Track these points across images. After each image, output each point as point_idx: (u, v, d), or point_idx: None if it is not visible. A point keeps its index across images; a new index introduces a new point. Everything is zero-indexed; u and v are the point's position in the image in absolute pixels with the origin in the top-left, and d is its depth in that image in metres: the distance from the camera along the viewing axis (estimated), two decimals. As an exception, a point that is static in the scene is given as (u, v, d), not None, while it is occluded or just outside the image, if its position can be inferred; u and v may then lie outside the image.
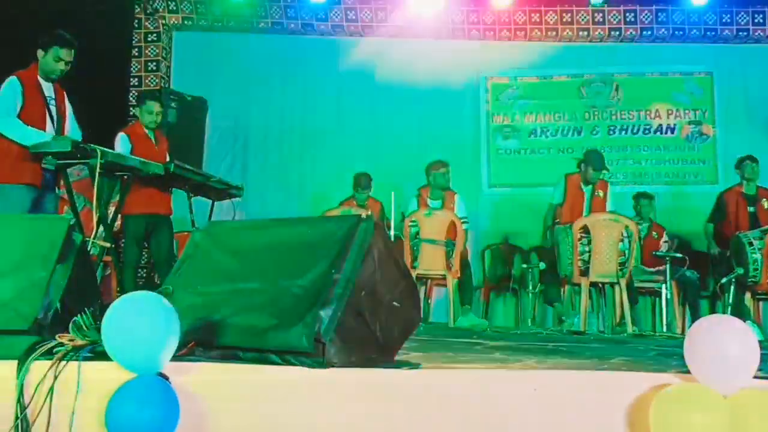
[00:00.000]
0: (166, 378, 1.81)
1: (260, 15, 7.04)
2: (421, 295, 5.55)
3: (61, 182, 3.97)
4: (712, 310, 5.69)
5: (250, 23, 7.09)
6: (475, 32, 7.09)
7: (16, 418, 1.81)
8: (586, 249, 5.03)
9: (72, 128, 4.19)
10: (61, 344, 1.90)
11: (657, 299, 5.76)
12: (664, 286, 5.25)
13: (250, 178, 6.97)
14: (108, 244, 4.28)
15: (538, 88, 7.25)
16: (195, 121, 6.57)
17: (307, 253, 2.11)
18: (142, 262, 5.57)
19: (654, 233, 6.11)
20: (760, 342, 1.78)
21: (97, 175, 3.68)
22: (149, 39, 7.03)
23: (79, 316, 2.00)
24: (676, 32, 6.99)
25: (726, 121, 7.08)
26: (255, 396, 1.89)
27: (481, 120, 7.24)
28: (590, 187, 5.66)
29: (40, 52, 3.99)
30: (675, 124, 7.15)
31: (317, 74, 7.17)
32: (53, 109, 4.06)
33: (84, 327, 1.98)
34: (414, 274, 5.02)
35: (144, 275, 5.96)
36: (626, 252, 5.02)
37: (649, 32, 7.01)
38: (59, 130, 4.09)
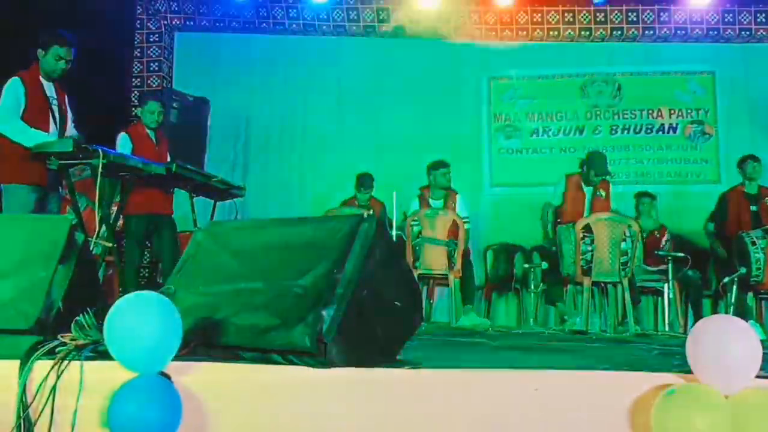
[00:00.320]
0: (168, 378, 1.81)
1: (262, 15, 7.04)
2: (423, 295, 5.55)
3: (64, 182, 3.97)
4: (715, 310, 5.68)
5: (252, 23, 7.09)
6: (476, 32, 7.08)
7: (18, 417, 1.81)
8: (589, 248, 5.03)
9: (70, 132, 4.19)
10: (64, 344, 1.91)
11: (659, 299, 5.75)
12: (666, 285, 5.26)
13: (251, 178, 6.98)
14: (110, 244, 4.29)
15: (540, 87, 7.24)
16: (197, 122, 6.57)
17: (309, 253, 2.12)
18: (144, 261, 5.58)
19: (656, 233, 6.10)
20: (762, 341, 1.78)
21: (99, 175, 3.68)
22: (151, 39, 7.04)
23: (81, 315, 2.00)
24: (678, 31, 6.98)
25: (728, 121, 7.07)
26: (257, 396, 1.89)
27: (483, 119, 7.24)
28: (591, 187, 5.67)
29: (40, 52, 4.00)
30: (677, 124, 7.14)
31: (319, 74, 7.17)
32: (55, 109, 4.07)
33: (86, 326, 1.98)
34: (416, 273, 5.02)
35: (146, 275, 5.96)
36: (629, 251, 5.02)
37: (651, 31, 7.01)
38: (61, 130, 4.10)
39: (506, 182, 7.17)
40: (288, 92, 7.25)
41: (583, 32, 7.05)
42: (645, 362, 2.61)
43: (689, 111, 7.15)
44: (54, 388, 1.82)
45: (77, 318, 2.00)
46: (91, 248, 3.50)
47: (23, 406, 1.81)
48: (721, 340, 1.75)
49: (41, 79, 4.02)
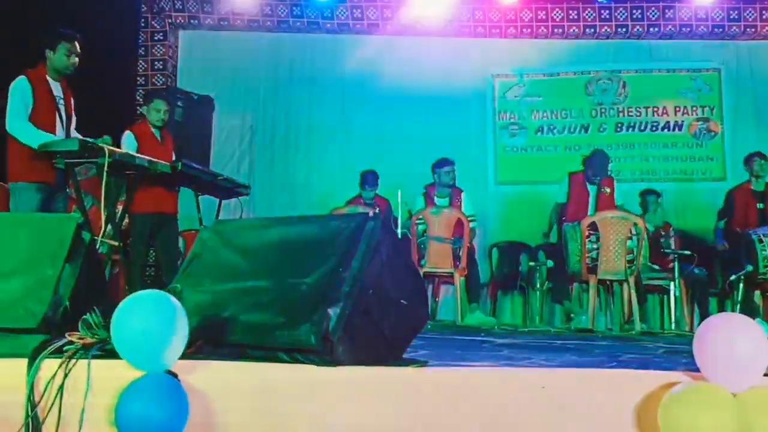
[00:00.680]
0: (175, 376, 1.82)
1: (266, 13, 7.04)
2: (429, 293, 5.56)
3: (70, 181, 3.98)
4: (721, 308, 5.67)
5: (256, 22, 7.10)
6: (481, 30, 7.08)
7: (27, 416, 1.81)
8: (594, 246, 5.02)
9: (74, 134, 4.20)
10: (71, 342, 1.91)
11: (665, 297, 5.74)
12: (672, 283, 5.24)
13: (257, 176, 7.00)
14: (116, 243, 4.30)
15: (545, 85, 7.23)
16: (202, 120, 6.58)
17: (314, 252, 2.12)
18: (150, 260, 5.59)
19: (661, 230, 6.09)
20: (769, 339, 1.77)
21: (105, 174, 3.69)
22: (156, 38, 7.05)
23: (88, 314, 2.01)
24: (683, 29, 6.96)
25: (734, 118, 7.05)
26: (263, 394, 1.89)
27: (488, 117, 7.23)
28: (595, 185, 5.66)
29: (49, 53, 4.01)
30: (682, 121, 7.12)
31: (323, 72, 7.17)
32: (62, 108, 4.08)
33: (93, 325, 1.99)
34: (421, 272, 5.02)
35: (152, 274, 5.98)
36: (634, 249, 5.01)
37: (656, 29, 6.99)
38: (68, 129, 4.11)
39: (511, 180, 7.16)
40: (292, 90, 7.25)
41: (587, 30, 7.03)
42: (652, 360, 2.61)
43: (694, 108, 7.12)
44: (61, 386, 1.82)
45: (84, 317, 2.01)
46: (97, 247, 3.51)
47: (31, 404, 1.82)
48: (728, 338, 1.74)
49: (48, 78, 4.03)
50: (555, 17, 6.98)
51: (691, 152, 7.09)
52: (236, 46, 7.19)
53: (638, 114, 7.16)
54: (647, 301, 5.82)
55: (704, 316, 5.33)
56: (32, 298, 2.09)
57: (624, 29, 7.01)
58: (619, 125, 7.15)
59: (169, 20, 7.07)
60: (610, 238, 4.98)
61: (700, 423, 1.68)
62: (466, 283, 5.46)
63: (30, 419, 1.81)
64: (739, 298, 5.05)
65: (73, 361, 1.85)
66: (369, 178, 6.22)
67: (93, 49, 4.27)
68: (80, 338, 1.93)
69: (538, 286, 5.82)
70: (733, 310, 5.01)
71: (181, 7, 7.03)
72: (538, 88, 7.23)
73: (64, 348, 1.89)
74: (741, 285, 5.05)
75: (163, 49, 7.05)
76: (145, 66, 7.03)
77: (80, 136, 4.06)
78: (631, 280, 4.94)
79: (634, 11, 6.94)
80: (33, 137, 3.83)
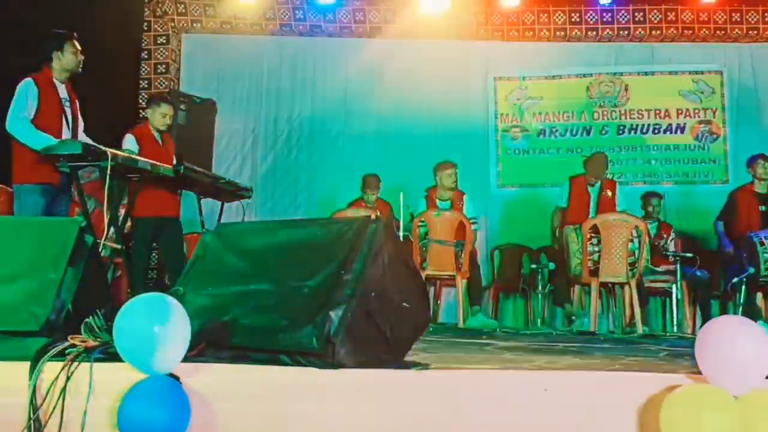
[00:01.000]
0: (177, 379, 1.82)
1: (268, 17, 7.05)
2: (431, 296, 5.55)
3: (74, 184, 3.99)
4: (724, 310, 5.65)
5: (258, 25, 7.11)
6: (483, 32, 7.08)
7: (29, 418, 1.82)
8: (596, 249, 5.02)
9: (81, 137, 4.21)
10: (73, 345, 1.92)
11: (667, 299, 5.73)
12: (674, 286, 5.23)
13: (259, 179, 7.00)
14: (119, 246, 4.30)
15: (547, 88, 7.22)
16: (204, 123, 6.59)
17: (316, 255, 2.12)
18: (152, 263, 5.59)
19: (663, 233, 6.08)
20: (771, 342, 1.77)
21: (108, 177, 3.70)
22: (158, 41, 7.06)
23: (90, 317, 2.02)
24: (686, 31, 6.96)
25: (736, 120, 7.04)
26: (265, 396, 1.89)
27: (490, 120, 7.22)
28: (597, 187, 5.67)
29: (56, 54, 4.03)
30: (685, 124, 7.11)
31: (325, 75, 7.18)
32: (68, 110, 4.09)
33: (96, 328, 2.00)
34: (423, 274, 5.02)
35: (154, 277, 5.98)
36: (636, 252, 5.01)
37: (658, 31, 6.99)
38: (74, 131, 4.12)
39: (513, 183, 7.16)
40: (295, 93, 7.26)
41: (589, 32, 7.03)
42: (653, 363, 2.60)
43: (697, 111, 7.12)
44: (64, 389, 1.83)
45: (87, 320, 2.01)
46: (100, 250, 3.52)
47: (33, 407, 1.83)
48: (730, 340, 1.74)
49: (54, 80, 4.05)
50: (557, 20, 6.98)
51: (694, 155, 7.09)
52: (239, 50, 7.20)
53: (640, 116, 7.15)
54: (649, 303, 5.81)
55: (706, 318, 5.33)
56: (35, 302, 2.09)
57: (626, 32, 7.01)
58: (622, 128, 7.15)
59: (172, 24, 7.08)
60: (611, 240, 4.98)
61: (701, 425, 1.68)
62: (468, 286, 5.46)
63: (32, 422, 1.82)
64: (741, 301, 5.04)
65: (76, 364, 1.85)
66: (370, 182, 6.22)
67: (96, 52, 4.28)
68: (83, 341, 1.94)
69: (539, 288, 5.82)
70: (735, 313, 4.99)
71: (183, 10, 7.05)
72: (540, 90, 7.23)
73: (67, 351, 1.90)
74: (743, 287, 5.04)
75: (166, 53, 7.07)
76: (148, 69, 7.04)
77: (89, 140, 4.07)
78: (633, 282, 4.94)
79: (636, 14, 6.94)
80: (32, 137, 3.84)
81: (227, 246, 2.35)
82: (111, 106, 5.81)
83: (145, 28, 7.05)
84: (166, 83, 7.00)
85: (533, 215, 6.68)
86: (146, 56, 7.04)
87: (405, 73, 7.00)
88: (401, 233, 5.16)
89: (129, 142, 4.66)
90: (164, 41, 7.06)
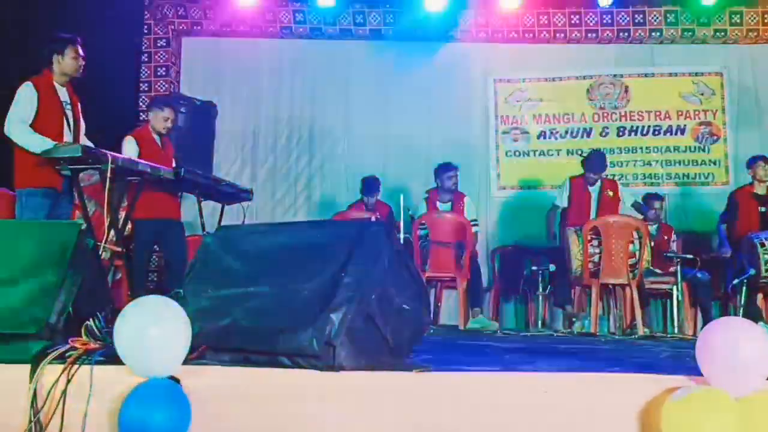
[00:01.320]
0: (178, 381, 1.82)
1: (268, 20, 7.06)
2: (431, 298, 5.55)
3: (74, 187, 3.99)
4: (724, 312, 5.65)
5: (258, 28, 7.11)
6: (483, 34, 7.08)
7: (30, 421, 1.82)
8: (597, 251, 5.02)
9: (83, 140, 4.21)
10: (74, 348, 1.92)
11: (668, 301, 5.73)
12: (675, 287, 5.23)
13: (259, 181, 7.01)
14: (119, 249, 4.30)
15: (547, 89, 7.23)
16: (204, 126, 6.58)
17: (317, 257, 2.12)
18: (153, 266, 5.59)
19: (664, 235, 6.08)
20: (772, 343, 1.77)
21: (108, 180, 3.70)
22: (159, 44, 7.07)
23: (91, 320, 2.02)
24: (685, 33, 6.96)
25: (736, 122, 7.04)
26: (265, 399, 1.89)
27: (490, 122, 7.23)
28: (597, 187, 5.67)
29: (56, 57, 4.03)
30: (685, 125, 7.11)
31: (325, 78, 7.18)
32: (69, 113, 4.09)
33: (96, 331, 2.00)
34: (424, 276, 5.02)
35: (155, 279, 5.98)
36: (637, 253, 5.01)
37: (658, 33, 6.99)
38: (76, 134, 4.12)
39: (514, 185, 7.16)
40: (295, 96, 7.26)
41: (589, 34, 7.03)
42: (654, 365, 2.60)
43: (697, 112, 7.12)
44: (64, 392, 1.83)
45: (87, 322, 2.01)
46: (100, 253, 3.51)
47: (34, 410, 1.82)
48: (731, 342, 1.74)
49: (55, 84, 4.05)
50: (557, 22, 6.99)
51: (694, 156, 7.08)
52: (239, 52, 7.21)
53: (640, 118, 7.15)
54: (650, 305, 5.81)
55: (707, 320, 5.33)
56: (35, 305, 2.09)
57: (626, 33, 7.02)
58: (622, 129, 7.15)
59: (172, 27, 7.09)
60: (612, 242, 4.98)
61: (702, 427, 1.67)
62: (469, 288, 5.46)
63: (33, 425, 1.81)
64: (742, 302, 5.04)
65: (76, 366, 1.85)
66: (370, 184, 6.23)
67: (96, 55, 4.28)
68: (83, 344, 1.93)
69: (540, 290, 5.81)
70: (735, 314, 4.99)
71: (183, 13, 7.05)
72: (540, 92, 7.23)
73: (67, 354, 1.90)
74: (744, 289, 5.04)
75: (166, 56, 7.07)
76: (148, 72, 7.05)
77: (90, 143, 4.07)
78: (634, 284, 4.94)
79: (636, 15, 6.94)
80: (30, 141, 3.84)
81: (227, 248, 2.35)
82: (111, 108, 5.81)
83: (145, 31, 7.06)
84: (166, 86, 7.01)
85: (534, 217, 6.67)
86: (146, 59, 7.05)
87: (405, 76, 7.00)
88: (402, 235, 5.16)
89: (129, 144, 4.66)
90: (164, 44, 7.07)
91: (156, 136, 4.80)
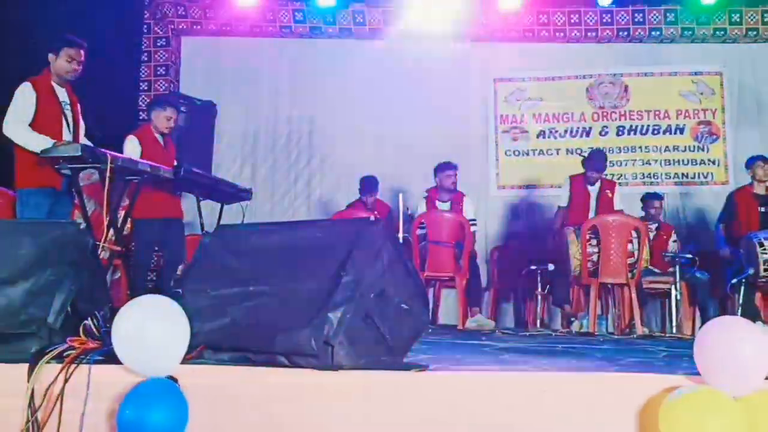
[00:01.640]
0: (176, 381, 1.82)
1: (268, 19, 7.05)
2: (430, 297, 5.55)
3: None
4: (723, 311, 5.65)
5: (258, 27, 7.11)
6: (482, 34, 7.08)
7: (27, 420, 1.82)
8: (595, 250, 5.01)
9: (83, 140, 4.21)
10: (72, 348, 1.92)
11: (667, 300, 5.72)
12: (673, 286, 5.23)
13: (258, 181, 7.00)
14: (118, 248, 4.30)
15: (546, 89, 7.22)
16: (204, 125, 6.58)
17: (315, 256, 2.12)
18: (152, 265, 5.59)
19: (663, 234, 6.08)
20: (770, 343, 1.77)
21: (107, 179, 3.70)
22: (158, 44, 7.07)
23: (89, 319, 2.02)
24: (685, 32, 6.95)
25: (736, 121, 7.03)
26: (264, 398, 1.89)
27: (489, 121, 7.22)
28: (597, 186, 5.67)
29: (51, 57, 4.03)
30: (684, 125, 7.11)
31: (325, 78, 7.17)
32: (68, 114, 4.09)
33: (94, 330, 2.00)
34: (422, 276, 5.02)
35: (154, 279, 5.98)
36: (635, 253, 5.01)
37: (658, 32, 6.99)
38: (75, 134, 4.12)
39: (513, 184, 7.16)
40: (295, 95, 7.26)
41: (589, 33, 7.03)
42: (652, 364, 2.60)
43: (696, 112, 7.12)
44: (62, 391, 1.83)
45: (85, 322, 2.01)
46: (99, 252, 3.51)
47: (32, 409, 1.83)
48: (730, 342, 1.74)
49: (53, 84, 4.05)
50: (556, 21, 6.98)
51: (693, 156, 7.08)
52: (238, 52, 7.21)
53: (640, 117, 7.15)
54: (648, 304, 5.80)
55: (705, 319, 5.32)
56: (34, 304, 2.10)
57: (625, 32, 7.01)
58: (621, 129, 7.15)
59: (172, 26, 7.09)
60: (611, 241, 4.98)
61: (701, 427, 1.67)
62: (467, 287, 5.45)
63: (30, 424, 1.82)
64: (741, 302, 5.03)
65: (74, 366, 1.85)
66: (368, 183, 6.22)
67: (96, 54, 4.28)
68: (81, 343, 1.94)
69: (539, 289, 5.81)
70: (734, 314, 4.99)
71: (183, 13, 7.05)
72: (540, 91, 7.23)
73: (65, 353, 1.90)
74: (742, 288, 5.03)
75: (166, 55, 7.07)
76: (148, 72, 7.05)
77: (89, 143, 4.07)
78: (632, 283, 4.93)
79: (636, 14, 6.93)
80: (29, 140, 3.84)
81: (226, 247, 2.35)
82: (111, 108, 5.81)
83: (145, 31, 7.06)
84: (166, 85, 7.01)
85: (533, 216, 6.68)
86: (146, 59, 7.05)
87: (405, 75, 6.99)
88: (400, 235, 5.16)
89: (131, 144, 4.66)
90: (164, 44, 7.07)
91: (158, 136, 4.80)
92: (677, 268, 5.25)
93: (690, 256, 5.35)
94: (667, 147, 7.09)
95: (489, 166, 7.17)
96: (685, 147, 7.09)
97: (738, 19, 6.87)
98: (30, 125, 3.89)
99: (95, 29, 5.17)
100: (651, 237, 5.63)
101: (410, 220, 5.56)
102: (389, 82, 7.03)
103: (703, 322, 5.36)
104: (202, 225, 4.97)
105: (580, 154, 6.30)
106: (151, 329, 1.80)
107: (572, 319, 5.33)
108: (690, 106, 7.12)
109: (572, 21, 6.98)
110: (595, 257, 5.01)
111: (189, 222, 5.17)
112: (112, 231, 4.14)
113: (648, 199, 6.16)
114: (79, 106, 4.21)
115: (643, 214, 6.04)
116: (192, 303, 2.14)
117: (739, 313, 4.83)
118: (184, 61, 7.23)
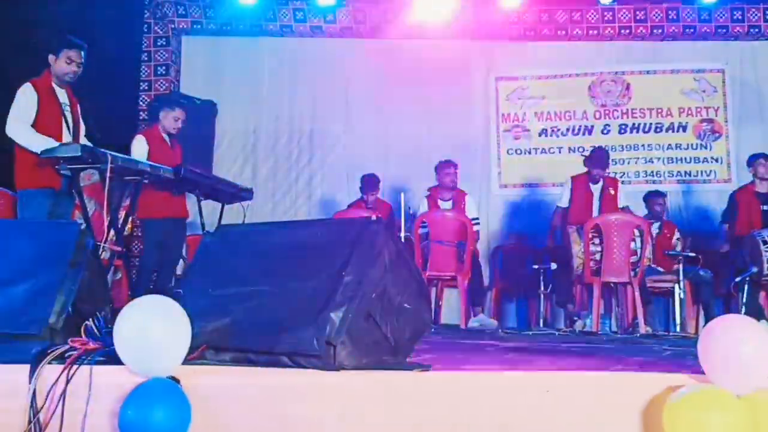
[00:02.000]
0: (178, 381, 1.82)
1: (269, 18, 7.05)
2: (432, 297, 5.54)
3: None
4: (726, 310, 5.64)
5: (258, 26, 7.10)
6: (484, 32, 7.07)
7: (29, 421, 1.82)
8: (598, 249, 5.00)
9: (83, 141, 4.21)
10: (73, 348, 1.91)
11: (670, 299, 5.71)
12: (677, 285, 5.22)
13: (259, 180, 7.00)
14: (119, 249, 4.30)
15: (548, 87, 7.21)
16: (204, 125, 6.59)
17: (317, 256, 2.12)
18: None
19: (666, 233, 6.06)
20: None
21: (107, 179, 3.70)
22: (159, 43, 7.06)
23: (90, 320, 2.01)
24: (687, 30, 6.94)
25: (738, 119, 7.02)
26: (266, 398, 1.89)
27: (491, 120, 7.21)
28: (599, 185, 5.65)
29: (51, 58, 4.03)
30: (686, 122, 7.10)
31: (326, 77, 7.16)
32: (69, 115, 4.09)
33: (96, 331, 1.99)
34: (424, 275, 5.01)
35: (155, 278, 5.98)
36: (638, 251, 4.99)
37: (660, 30, 6.97)
38: (75, 135, 4.12)
39: (515, 183, 7.15)
40: (295, 94, 7.25)
41: (591, 31, 7.02)
42: (656, 363, 2.60)
43: (699, 109, 7.10)
44: (64, 392, 1.82)
45: (87, 322, 2.01)
46: (100, 253, 3.51)
47: (33, 410, 1.82)
48: (733, 340, 1.74)
49: (54, 85, 4.05)
50: (558, 19, 6.97)
51: (696, 153, 7.07)
52: (239, 51, 7.20)
53: (642, 115, 7.13)
54: (651, 303, 5.79)
55: (709, 318, 5.31)
56: (35, 305, 2.09)
57: (627, 30, 7.00)
58: (623, 127, 7.14)
59: (172, 26, 7.08)
60: (613, 240, 4.97)
61: (705, 425, 1.67)
62: (470, 287, 5.45)
63: (32, 425, 1.81)
64: (744, 300, 5.02)
65: (76, 366, 1.85)
66: (370, 182, 6.21)
67: (96, 54, 4.28)
68: (83, 344, 1.93)
69: (541, 289, 5.80)
70: (737, 312, 4.98)
71: (183, 12, 7.04)
72: (542, 90, 7.22)
73: (67, 354, 1.90)
74: (746, 287, 5.02)
75: (166, 54, 7.06)
76: (148, 71, 7.04)
77: (89, 144, 4.07)
78: (635, 282, 4.92)
79: (638, 12, 6.92)
80: (32, 141, 3.84)
81: (228, 247, 2.34)
82: (111, 107, 5.80)
83: (145, 30, 7.05)
84: (166, 85, 7.00)
85: (535, 215, 6.66)
86: (146, 58, 7.04)
87: (406, 74, 6.98)
88: (402, 234, 5.15)
89: (139, 144, 4.67)
90: (164, 43, 7.06)
91: (166, 136, 4.81)
92: (680, 266, 5.24)
93: (693, 254, 5.34)
94: (669, 145, 7.08)
95: (491, 164, 7.16)
96: (688, 145, 7.07)
97: (740, 17, 6.86)
98: (31, 126, 3.89)
99: (95, 29, 5.18)
100: (654, 235, 5.61)
101: (412, 220, 5.55)
102: (390, 80, 7.02)
103: (706, 321, 5.35)
104: (203, 225, 4.96)
105: (582, 153, 6.29)
106: (153, 330, 1.79)
107: (575, 318, 5.32)
108: (692, 104, 7.10)
109: (574, 19, 6.97)
110: (597, 256, 5.00)
111: (190, 222, 5.16)
112: (112, 231, 4.14)
113: (651, 197, 6.15)
114: (78, 107, 4.22)
115: (645, 212, 6.03)
116: (193, 303, 2.13)
117: (743, 312, 4.81)
118: (184, 60, 7.22)
